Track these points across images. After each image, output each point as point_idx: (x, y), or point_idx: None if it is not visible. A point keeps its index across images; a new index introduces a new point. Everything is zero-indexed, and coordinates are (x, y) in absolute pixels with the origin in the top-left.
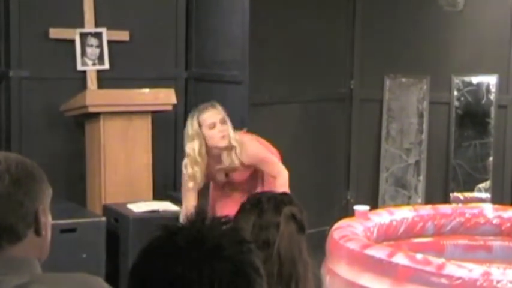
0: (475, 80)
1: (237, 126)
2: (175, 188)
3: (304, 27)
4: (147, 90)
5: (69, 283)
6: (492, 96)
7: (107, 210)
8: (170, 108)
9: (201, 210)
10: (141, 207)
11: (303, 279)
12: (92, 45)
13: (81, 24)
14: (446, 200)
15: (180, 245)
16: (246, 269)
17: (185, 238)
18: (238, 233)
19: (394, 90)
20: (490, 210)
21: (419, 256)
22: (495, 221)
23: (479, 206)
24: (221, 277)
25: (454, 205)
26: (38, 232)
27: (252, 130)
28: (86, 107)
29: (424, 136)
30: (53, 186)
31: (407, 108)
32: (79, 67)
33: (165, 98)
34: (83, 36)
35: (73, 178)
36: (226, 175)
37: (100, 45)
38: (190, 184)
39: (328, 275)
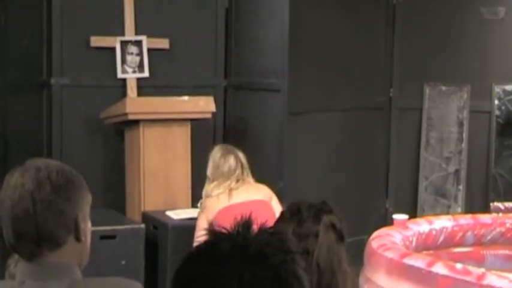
0: None
1: (275, 135)
2: None
3: (343, 36)
4: (186, 98)
5: None
6: None
7: (146, 217)
8: (209, 116)
9: (247, 219)
10: (179, 214)
11: None
12: (132, 53)
13: (122, 32)
14: (486, 210)
15: (224, 251)
16: (288, 278)
17: (230, 244)
18: (283, 243)
19: (434, 98)
20: None
21: (459, 266)
22: None
23: None
24: (261, 284)
25: (494, 215)
26: (78, 238)
27: (290, 139)
28: (126, 114)
29: (464, 145)
30: (92, 193)
31: (447, 116)
32: (119, 75)
33: (205, 106)
34: (124, 44)
35: (112, 185)
36: None
37: (140, 53)
38: None
39: (367, 284)
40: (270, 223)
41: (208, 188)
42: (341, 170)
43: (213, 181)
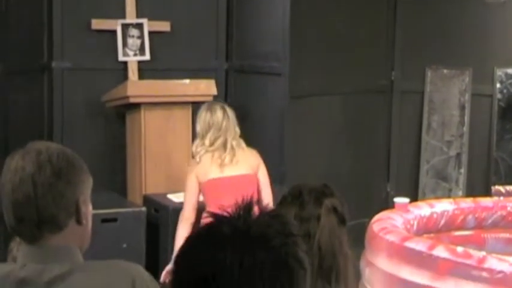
0: None
1: (276, 118)
2: None
3: (345, 19)
4: (187, 81)
5: (109, 271)
6: None
7: (147, 200)
8: (210, 99)
9: (248, 203)
10: (181, 197)
11: (343, 272)
12: (133, 36)
13: (123, 15)
14: (487, 193)
15: (225, 233)
16: (288, 261)
17: (231, 227)
18: (285, 226)
19: (435, 82)
20: None
21: (459, 249)
22: None
23: None
24: (262, 267)
25: (495, 198)
26: (79, 221)
27: (291, 122)
28: (127, 97)
29: (466, 128)
30: (94, 176)
31: (449, 100)
32: (120, 58)
33: (206, 89)
34: (125, 27)
35: (114, 168)
36: None
37: (141, 36)
38: None
39: (368, 267)
40: (253, 197)
41: (200, 143)
42: (342, 154)
43: (202, 137)
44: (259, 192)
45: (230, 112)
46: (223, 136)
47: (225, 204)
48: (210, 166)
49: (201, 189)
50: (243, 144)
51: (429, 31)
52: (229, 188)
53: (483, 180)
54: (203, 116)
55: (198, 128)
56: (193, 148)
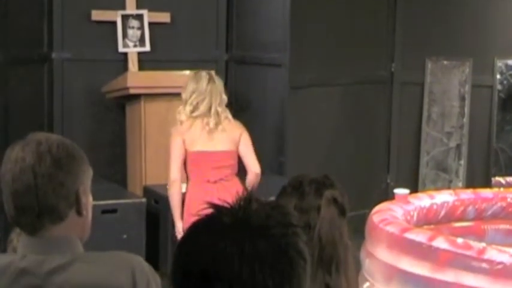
0: None
1: (277, 109)
2: None
3: (345, 9)
4: (188, 72)
5: (110, 262)
6: None
7: (147, 191)
8: None
9: (249, 193)
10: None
11: (343, 263)
12: (133, 27)
13: (123, 6)
14: (487, 184)
15: (225, 223)
16: (289, 251)
17: (231, 218)
18: (285, 216)
19: (435, 73)
20: None
21: (459, 240)
22: None
23: None
24: (262, 256)
25: (495, 189)
26: (79, 212)
27: (291, 113)
28: (127, 88)
29: (466, 120)
30: (94, 167)
31: (449, 91)
32: (120, 49)
33: None
34: (125, 18)
35: (114, 159)
36: None
37: (141, 27)
38: None
39: (368, 258)
40: (231, 172)
41: (182, 109)
42: (342, 145)
43: (185, 102)
44: (244, 161)
45: (217, 79)
46: (207, 99)
47: (211, 179)
48: (199, 135)
49: (186, 156)
50: (230, 116)
51: (429, 22)
52: (215, 163)
53: (483, 171)
54: (188, 83)
55: (183, 95)
56: (177, 115)
